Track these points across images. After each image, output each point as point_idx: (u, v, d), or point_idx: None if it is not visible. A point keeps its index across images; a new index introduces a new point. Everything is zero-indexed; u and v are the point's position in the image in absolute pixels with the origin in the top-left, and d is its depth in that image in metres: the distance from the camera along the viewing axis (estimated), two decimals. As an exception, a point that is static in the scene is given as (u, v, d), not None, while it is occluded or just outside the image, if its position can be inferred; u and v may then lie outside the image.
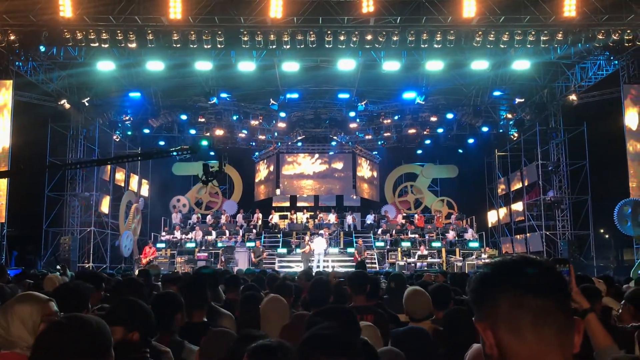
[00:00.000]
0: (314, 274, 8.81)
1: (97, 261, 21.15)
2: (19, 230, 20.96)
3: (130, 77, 20.50)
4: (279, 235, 23.06)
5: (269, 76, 20.58)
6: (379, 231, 23.17)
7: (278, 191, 28.05)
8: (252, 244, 20.88)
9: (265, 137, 27.15)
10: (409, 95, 22.27)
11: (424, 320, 3.83)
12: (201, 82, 21.53)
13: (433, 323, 3.91)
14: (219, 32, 16.26)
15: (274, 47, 16.67)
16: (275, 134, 26.91)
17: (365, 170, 28.71)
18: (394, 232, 22.82)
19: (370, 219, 24.73)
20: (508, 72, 20.34)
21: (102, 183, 22.54)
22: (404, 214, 26.09)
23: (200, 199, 27.42)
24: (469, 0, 15.41)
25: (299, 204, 27.54)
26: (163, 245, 21.13)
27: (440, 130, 25.24)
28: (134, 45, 16.44)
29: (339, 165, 28.14)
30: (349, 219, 24.44)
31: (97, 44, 16.44)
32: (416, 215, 25.11)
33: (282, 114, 24.02)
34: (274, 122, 25.55)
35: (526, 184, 23.92)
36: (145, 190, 26.36)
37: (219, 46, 16.67)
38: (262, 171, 28.99)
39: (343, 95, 23.42)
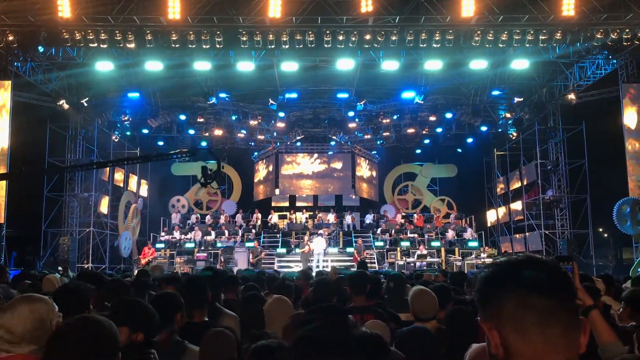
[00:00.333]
0: (313, 274, 8.81)
1: (96, 262, 21.11)
2: (18, 231, 20.93)
3: (129, 77, 20.47)
4: (278, 235, 23.05)
5: (267, 76, 20.57)
6: (378, 231, 23.18)
7: (277, 191, 28.05)
8: (251, 244, 20.88)
9: (264, 137, 27.15)
10: (407, 94, 22.29)
11: (430, 320, 3.84)
12: (200, 82, 21.52)
13: (437, 323, 3.92)
14: (218, 32, 16.24)
15: (273, 47, 16.66)
16: (274, 133, 26.91)
17: (364, 169, 28.72)
18: (393, 231, 22.83)
19: (369, 218, 24.74)
20: (507, 72, 20.34)
21: (101, 183, 22.52)
22: (403, 214, 26.10)
23: (200, 199, 27.41)
24: (467, -1, 15.44)
25: (298, 204, 27.55)
26: (162, 245, 21.11)
27: (439, 130, 25.27)
28: (132, 45, 16.41)
29: (338, 165, 28.14)
30: (348, 219, 24.44)
31: (95, 44, 16.41)
32: (415, 215, 25.14)
33: (281, 114, 24.01)
34: (272, 122, 25.55)
35: (525, 183, 23.93)
36: (144, 191, 26.34)
37: (217, 46, 16.64)
38: (261, 171, 28.99)
39: (342, 95, 23.44)
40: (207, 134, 25.10)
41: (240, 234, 22.36)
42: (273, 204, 27.57)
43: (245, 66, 18.35)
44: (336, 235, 22.73)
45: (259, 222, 24.43)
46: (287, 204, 27.74)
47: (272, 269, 18.39)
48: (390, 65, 18.44)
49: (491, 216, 27.34)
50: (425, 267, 18.62)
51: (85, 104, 20.91)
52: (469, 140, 26.34)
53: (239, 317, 4.18)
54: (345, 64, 18.33)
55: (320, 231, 21.48)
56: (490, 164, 26.76)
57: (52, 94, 20.11)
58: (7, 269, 7.86)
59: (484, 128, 24.52)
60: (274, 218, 24.80)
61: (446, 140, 26.35)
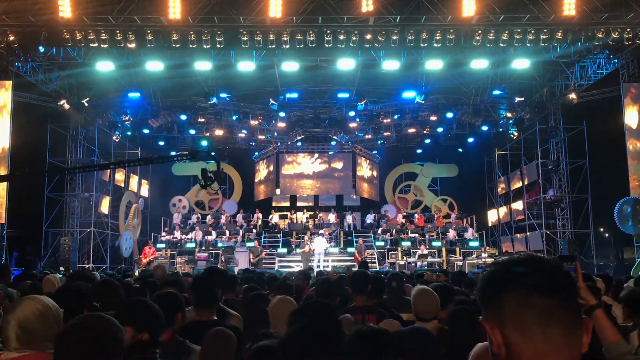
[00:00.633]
0: (314, 274, 8.81)
1: (97, 262, 21.12)
2: (19, 231, 20.92)
3: (130, 78, 20.47)
4: (279, 235, 23.06)
5: (268, 76, 20.56)
6: (379, 231, 23.17)
7: (278, 191, 28.06)
8: (252, 244, 20.89)
9: (264, 137, 27.15)
10: (408, 94, 22.28)
11: (432, 320, 3.84)
12: (201, 82, 21.52)
13: (438, 322, 3.91)
14: (219, 32, 16.24)
15: (274, 46, 16.65)
16: (275, 133, 26.90)
17: (365, 169, 28.71)
18: (394, 231, 22.83)
19: (370, 218, 24.73)
20: (508, 71, 20.32)
21: (102, 183, 22.53)
22: (404, 214, 26.10)
23: (201, 199, 27.41)
24: (468, -1, 15.43)
25: (299, 204, 27.55)
26: (163, 245, 21.13)
27: (440, 130, 25.24)
28: (133, 45, 16.41)
29: (338, 164, 28.14)
30: (349, 219, 24.43)
31: (96, 44, 16.41)
32: (416, 215, 25.13)
33: (282, 114, 24.00)
34: (273, 121, 25.55)
35: (526, 182, 23.92)
36: (145, 191, 26.36)
37: (218, 46, 16.64)
38: (262, 171, 28.99)
39: (342, 95, 23.43)
40: (207, 134, 25.10)
41: (241, 234, 22.36)
42: (274, 204, 27.58)
43: (246, 66, 18.34)
44: (337, 235, 22.72)
45: (260, 222, 24.44)
46: (287, 204, 27.75)
47: (274, 269, 18.44)
48: (390, 65, 18.43)
49: (492, 216, 27.32)
50: (426, 267, 18.62)
51: (86, 104, 20.91)
52: (470, 140, 26.31)
53: (241, 317, 4.19)
54: (345, 64, 18.32)
55: (321, 231, 21.49)
56: (491, 163, 26.74)
57: (52, 94, 20.13)
58: (10, 269, 7.84)
59: (484, 128, 24.50)
60: (274, 218, 24.81)
61: (447, 140, 26.33)
